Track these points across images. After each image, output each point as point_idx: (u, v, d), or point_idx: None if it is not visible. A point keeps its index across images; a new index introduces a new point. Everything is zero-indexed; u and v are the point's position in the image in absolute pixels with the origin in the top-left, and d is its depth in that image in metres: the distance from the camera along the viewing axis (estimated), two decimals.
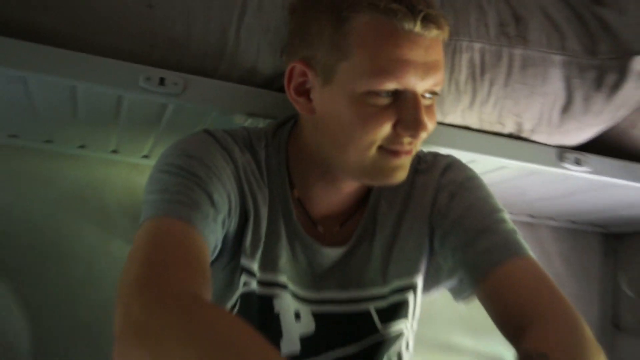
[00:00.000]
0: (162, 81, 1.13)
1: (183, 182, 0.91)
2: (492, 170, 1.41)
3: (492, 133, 1.37)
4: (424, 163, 1.14)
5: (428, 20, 0.89)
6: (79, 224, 1.69)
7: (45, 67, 1.08)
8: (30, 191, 1.66)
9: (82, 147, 1.67)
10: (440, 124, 1.32)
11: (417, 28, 0.89)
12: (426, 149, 1.21)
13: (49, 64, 1.08)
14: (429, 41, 0.92)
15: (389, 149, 0.96)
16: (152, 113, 1.30)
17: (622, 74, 1.35)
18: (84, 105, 1.29)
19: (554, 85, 1.34)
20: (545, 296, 0.94)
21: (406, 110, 0.93)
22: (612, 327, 2.28)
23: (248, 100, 1.20)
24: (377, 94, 0.92)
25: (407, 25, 0.89)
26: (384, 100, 0.93)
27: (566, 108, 1.37)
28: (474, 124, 1.35)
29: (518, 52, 1.30)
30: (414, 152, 1.01)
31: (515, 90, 1.32)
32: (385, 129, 0.94)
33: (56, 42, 1.09)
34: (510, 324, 0.95)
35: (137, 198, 1.72)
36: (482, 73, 1.29)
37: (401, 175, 1.00)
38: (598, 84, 1.36)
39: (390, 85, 0.91)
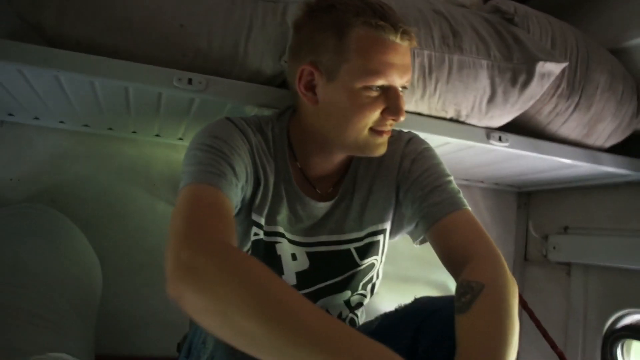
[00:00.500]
0: (190, 81, 1.12)
1: (212, 157, 0.90)
2: (438, 145, 1.40)
3: (438, 118, 1.36)
4: (391, 137, 1.11)
5: (405, 33, 0.94)
6: (132, 190, 1.67)
7: (107, 74, 1.08)
8: (98, 166, 1.64)
9: (134, 132, 1.64)
10: None
11: (398, 39, 0.94)
12: None
13: (110, 71, 1.08)
14: (405, 49, 0.96)
15: (377, 130, 0.99)
16: (184, 106, 1.28)
17: (529, 74, 1.34)
18: (134, 101, 1.27)
19: (482, 82, 1.32)
20: (478, 240, 0.94)
21: (391, 101, 0.96)
22: (522, 260, 2.28)
23: (255, 95, 1.18)
24: (370, 88, 0.95)
25: (392, 37, 0.93)
26: (375, 93, 0.96)
27: (491, 99, 1.35)
28: (424, 111, 1.33)
29: (456, 57, 1.28)
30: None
31: (454, 86, 1.30)
32: (376, 114, 0.97)
33: (114, 55, 1.09)
34: (453, 261, 0.95)
35: (175, 170, 1.70)
36: (430, 73, 1.26)
37: (383, 150, 1.02)
38: (513, 82, 1.35)
39: (380, 82, 0.94)
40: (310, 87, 1.00)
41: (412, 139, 1.13)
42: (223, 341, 0.68)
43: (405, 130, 1.16)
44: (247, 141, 0.99)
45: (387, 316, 1.08)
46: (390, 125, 0.99)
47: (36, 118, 1.54)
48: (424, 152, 1.10)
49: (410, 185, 1.06)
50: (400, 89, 0.98)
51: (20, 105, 1.40)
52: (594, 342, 1.90)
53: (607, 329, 1.87)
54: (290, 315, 0.64)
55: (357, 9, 0.94)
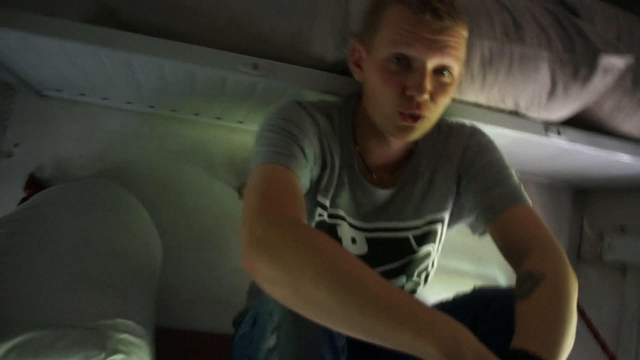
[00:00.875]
0: (255, 66, 1.14)
1: (283, 139, 0.93)
2: (496, 137, 1.38)
3: (497, 109, 1.35)
4: (453, 129, 1.13)
5: (436, 12, 0.91)
6: (192, 170, 1.72)
7: (176, 57, 1.12)
8: (161, 146, 1.70)
9: (196, 114, 1.69)
10: (460, 101, 1.31)
11: (427, 16, 0.91)
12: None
13: (178, 54, 1.11)
14: (437, 26, 0.92)
15: (401, 112, 0.96)
16: (247, 90, 1.31)
17: (592, 68, 1.32)
18: (200, 84, 1.32)
19: (543, 75, 1.31)
20: (540, 234, 0.94)
21: (413, 76, 0.94)
22: (576, 258, 2.24)
23: (317, 81, 1.21)
24: (392, 60, 0.94)
25: (419, 13, 0.91)
26: (398, 68, 0.94)
27: (551, 93, 1.34)
28: (483, 102, 1.33)
29: (517, 49, 1.27)
30: (426, 122, 0.99)
31: (514, 78, 1.29)
32: (397, 91, 0.95)
33: (183, 40, 1.12)
34: (514, 254, 0.95)
35: (234, 153, 1.74)
36: (490, 64, 1.26)
37: (412, 136, 1.00)
38: (574, 75, 1.32)
39: (402, 50, 0.93)
40: (359, 64, 1.04)
41: (476, 132, 1.13)
42: (290, 312, 0.72)
43: (468, 123, 1.16)
44: (315, 124, 1.02)
45: (443, 304, 1.09)
46: (417, 107, 0.95)
47: (105, 98, 1.61)
48: (487, 145, 1.10)
49: (472, 177, 1.07)
50: (444, 72, 0.96)
51: (91, 85, 1.47)
52: None
53: None
54: (359, 285, 0.67)
55: None
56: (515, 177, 1.04)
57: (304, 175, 0.93)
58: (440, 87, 0.96)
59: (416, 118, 0.96)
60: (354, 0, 1.20)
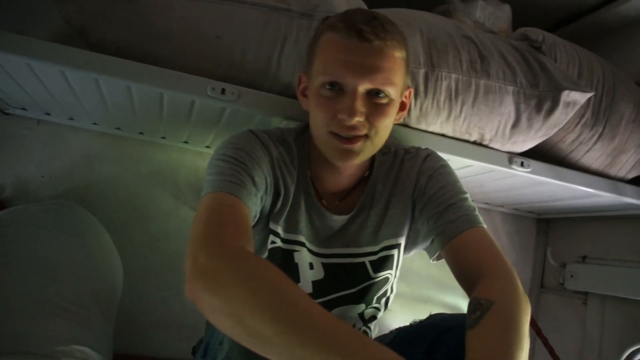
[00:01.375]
0: (223, 91, 1.15)
1: (233, 168, 0.92)
2: (460, 167, 1.41)
3: (462, 140, 1.37)
4: (408, 154, 1.13)
5: (362, 34, 0.91)
6: (158, 194, 1.71)
7: (144, 79, 1.11)
8: (126, 168, 1.68)
9: (163, 137, 1.68)
10: (425, 131, 1.33)
11: (354, 39, 0.92)
12: None
13: (147, 77, 1.11)
14: (365, 49, 0.92)
15: (336, 134, 0.96)
16: (215, 115, 1.31)
17: (554, 102, 1.35)
18: (168, 108, 1.31)
19: (507, 108, 1.34)
20: (492, 258, 0.94)
21: (344, 100, 0.94)
22: (539, 287, 2.27)
23: (285, 107, 1.21)
24: (324, 86, 0.95)
25: (346, 37, 0.92)
26: (329, 93, 0.95)
27: (515, 125, 1.37)
28: (449, 133, 1.35)
29: (482, 82, 1.30)
30: (367, 143, 0.98)
31: (479, 110, 1.31)
32: (330, 114, 0.95)
33: (152, 63, 1.12)
34: (467, 278, 0.95)
35: (201, 177, 1.73)
36: (456, 96, 1.28)
37: (355, 159, 1.00)
38: (538, 109, 1.36)
39: (332, 78, 0.94)
40: (304, 94, 1.06)
41: (430, 155, 1.13)
42: (238, 343, 0.70)
43: (424, 147, 1.17)
44: (267, 153, 1.02)
45: (402, 330, 1.10)
46: (350, 129, 0.95)
47: (71, 119, 1.59)
48: (440, 169, 1.10)
49: (426, 202, 1.07)
50: (362, 92, 0.94)
51: (57, 105, 1.45)
52: None
53: None
54: (302, 318, 0.65)
55: (335, 17, 0.97)
56: (470, 201, 1.04)
57: (253, 203, 0.92)
58: (376, 108, 0.96)
59: (352, 139, 0.96)
60: None
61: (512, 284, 0.88)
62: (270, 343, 0.65)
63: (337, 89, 0.95)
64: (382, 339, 1.14)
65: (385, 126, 1.00)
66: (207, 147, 1.70)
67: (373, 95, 0.96)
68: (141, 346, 1.63)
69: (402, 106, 1.05)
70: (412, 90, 1.11)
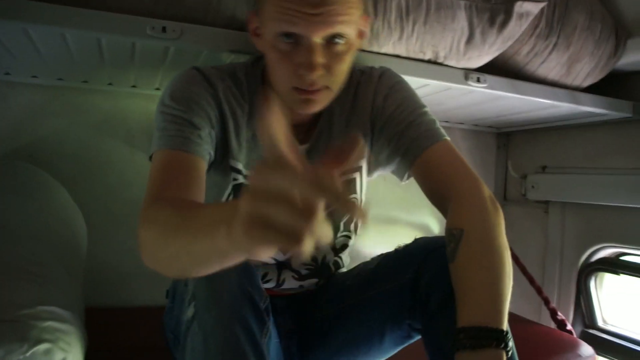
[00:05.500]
0: (164, 29, 1.08)
1: (172, 119, 0.92)
2: (417, 87, 1.39)
3: (416, 59, 1.34)
4: (363, 74, 1.10)
5: None
6: (111, 142, 1.65)
7: (78, 25, 1.04)
8: (75, 120, 1.61)
9: (110, 84, 1.61)
10: (377, 53, 1.29)
11: None
12: None
13: (81, 22, 1.04)
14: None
15: (298, 88, 0.92)
16: (158, 55, 1.25)
17: (507, 14, 1.32)
18: (108, 52, 1.24)
19: (460, 23, 1.30)
20: (459, 173, 0.95)
21: (301, 54, 0.88)
22: (502, 199, 2.33)
23: (230, 41, 1.15)
24: (280, 38, 0.89)
25: None
26: (287, 45, 0.89)
27: (469, 40, 1.34)
28: (402, 53, 1.32)
29: None
30: (328, 92, 0.95)
31: (432, 27, 1.28)
32: (290, 69, 0.90)
33: (85, 5, 1.05)
34: (437, 197, 0.97)
35: (153, 121, 1.68)
36: (407, 14, 1.24)
37: (315, 107, 0.97)
38: (491, 22, 1.33)
39: (285, 28, 0.87)
40: (257, 33, 0.99)
41: (384, 73, 1.10)
42: (204, 279, 0.73)
43: (378, 66, 1.14)
44: (210, 86, 0.98)
45: (386, 256, 1.10)
46: (311, 84, 0.91)
47: (7, 73, 1.50)
48: (396, 86, 1.08)
49: (385, 122, 1.05)
50: (336, 40, 0.89)
51: None
52: (569, 276, 1.97)
53: (582, 263, 1.94)
54: (183, 222, 0.65)
55: None
56: (429, 115, 1.03)
57: (203, 147, 0.92)
58: (335, 57, 0.91)
59: (314, 91, 0.93)
60: None
61: (479, 200, 0.89)
62: (175, 256, 0.65)
63: (293, 40, 0.89)
64: (365, 265, 1.15)
65: (344, 71, 0.96)
66: (157, 89, 1.63)
67: (331, 42, 0.90)
68: (114, 298, 1.63)
69: (360, 34, 0.99)
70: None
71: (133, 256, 1.58)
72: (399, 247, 1.08)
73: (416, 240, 1.04)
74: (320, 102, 0.97)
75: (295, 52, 0.89)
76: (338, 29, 0.88)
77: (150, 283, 1.61)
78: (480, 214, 0.87)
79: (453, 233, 0.86)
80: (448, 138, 1.00)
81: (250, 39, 1.02)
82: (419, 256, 0.97)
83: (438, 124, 1.02)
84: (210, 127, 0.95)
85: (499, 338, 0.74)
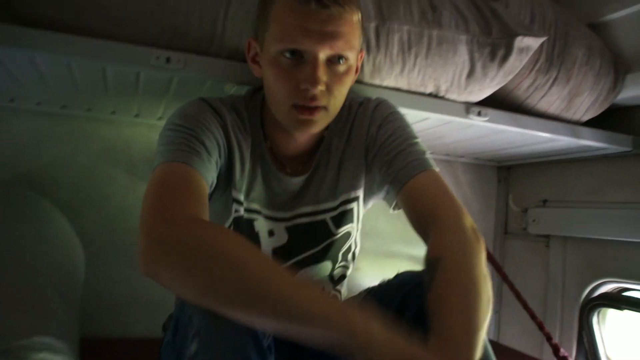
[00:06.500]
0: (168, 60, 1.10)
1: (182, 136, 0.90)
2: (418, 121, 1.40)
3: (417, 93, 1.35)
4: (361, 106, 1.12)
5: (321, 0, 0.88)
6: (112, 171, 1.65)
7: (84, 54, 1.06)
8: (77, 148, 1.61)
9: (113, 113, 1.61)
10: (379, 86, 1.30)
11: (312, 6, 0.88)
12: None
13: (86, 51, 1.05)
14: (324, 16, 0.89)
15: (297, 105, 0.94)
16: (162, 85, 1.26)
17: (508, 49, 1.34)
18: (112, 81, 1.25)
19: (461, 57, 1.32)
20: (442, 204, 0.94)
21: (305, 69, 0.91)
22: (503, 234, 2.32)
23: (234, 72, 1.16)
24: (284, 54, 0.91)
25: (304, 3, 0.88)
26: (290, 62, 0.92)
27: (470, 74, 1.35)
28: (404, 87, 1.33)
29: (435, 32, 1.28)
30: (325, 113, 0.97)
31: (433, 61, 1.29)
32: (292, 84, 0.92)
33: (91, 35, 1.06)
34: (420, 224, 0.96)
35: (155, 151, 1.68)
36: (409, 48, 1.25)
37: (313, 129, 0.99)
38: (492, 56, 1.35)
39: (292, 45, 0.90)
40: (256, 60, 1.01)
41: (380, 104, 1.11)
42: (210, 315, 0.70)
43: (374, 97, 1.15)
44: (220, 117, 0.99)
45: (371, 291, 1.10)
46: (312, 99, 0.93)
47: (12, 100, 1.51)
48: (390, 117, 1.08)
49: (377, 151, 1.06)
50: (339, 61, 0.94)
51: None
52: (571, 312, 1.95)
53: (584, 299, 1.91)
54: (266, 284, 0.67)
55: None
56: (420, 145, 1.03)
57: (207, 170, 0.90)
58: (336, 77, 0.95)
59: (313, 110, 0.95)
60: None
61: (459, 228, 0.88)
62: (240, 311, 0.68)
63: (296, 57, 0.92)
64: (352, 300, 1.14)
65: (343, 94, 0.99)
66: (160, 118, 1.64)
67: (333, 62, 0.94)
68: (109, 328, 1.60)
69: (355, 69, 1.03)
70: (364, 51, 1.09)
71: (130, 286, 1.59)
72: (383, 281, 1.07)
73: (399, 275, 1.04)
74: (318, 124, 0.98)
75: (299, 69, 0.92)
76: (342, 48, 0.92)
77: (146, 314, 1.59)
78: (459, 243, 0.86)
79: (430, 262, 0.86)
80: (436, 168, 1.00)
81: (251, 67, 1.04)
82: (401, 291, 0.96)
83: (428, 155, 1.02)
84: (217, 155, 0.95)
85: None
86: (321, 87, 0.92)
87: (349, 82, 0.99)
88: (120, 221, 1.63)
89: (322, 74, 0.92)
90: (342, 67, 0.95)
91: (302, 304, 0.66)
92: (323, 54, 0.91)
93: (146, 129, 1.67)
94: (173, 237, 0.71)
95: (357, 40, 0.96)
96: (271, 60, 0.94)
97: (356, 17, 0.95)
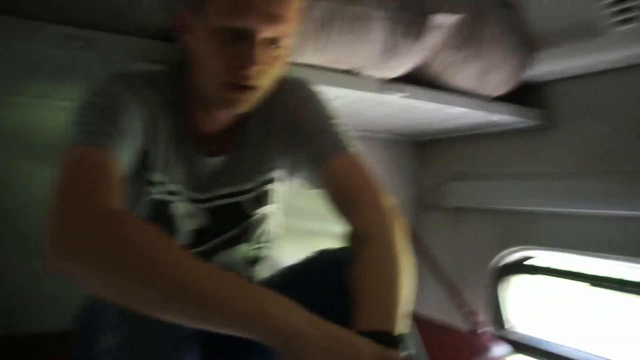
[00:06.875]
0: (69, 37, 1.02)
1: (95, 115, 0.86)
2: (334, 98, 1.39)
3: (332, 70, 1.35)
4: (279, 87, 1.08)
5: None
6: (14, 156, 1.53)
7: None
8: None
9: (14, 94, 1.50)
10: (294, 64, 1.26)
11: None
12: None
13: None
14: None
15: (229, 82, 0.92)
16: (68, 64, 1.18)
17: (422, 26, 1.37)
18: (11, 59, 1.17)
19: (376, 34, 1.32)
20: (361, 185, 0.96)
21: (243, 48, 0.89)
22: (419, 207, 2.39)
23: (142, 50, 1.11)
24: (225, 30, 0.88)
25: None
26: (228, 38, 0.89)
27: (384, 51, 1.37)
28: (318, 63, 1.33)
29: (350, 9, 1.26)
30: (254, 93, 0.96)
31: (348, 38, 1.29)
32: (227, 61, 0.90)
33: None
34: (340, 204, 0.97)
35: (62, 134, 1.58)
36: (323, 25, 1.25)
37: (240, 108, 0.97)
38: (406, 33, 1.36)
39: (234, 22, 0.87)
40: (186, 32, 0.96)
41: (298, 84, 1.11)
42: (123, 306, 0.68)
43: (296, 78, 1.13)
44: (135, 96, 0.93)
45: (291, 268, 1.10)
46: (244, 78, 0.91)
47: None
48: (309, 97, 1.08)
49: (295, 132, 1.05)
50: (261, 40, 0.90)
51: None
52: (481, 280, 2.05)
53: (493, 267, 2.02)
54: (182, 279, 0.66)
55: None
56: (338, 126, 1.04)
57: (123, 152, 0.85)
58: (271, 59, 0.93)
59: (244, 89, 0.93)
60: None
61: (378, 208, 0.91)
62: (156, 307, 0.67)
63: (234, 35, 0.88)
64: (272, 277, 1.14)
65: (273, 77, 0.97)
66: (67, 100, 1.53)
67: (268, 45, 0.91)
68: (16, 324, 1.50)
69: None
70: None
71: (38, 278, 1.49)
72: (303, 259, 1.08)
73: (318, 252, 1.05)
74: (246, 104, 0.97)
75: (237, 47, 0.89)
76: (282, 32, 0.90)
77: (54, 307, 1.49)
78: (379, 221, 0.89)
79: (354, 239, 0.88)
80: (356, 148, 1.01)
81: (178, 37, 0.98)
82: (319, 269, 0.99)
83: (347, 135, 1.03)
84: (134, 136, 0.90)
85: (390, 342, 0.74)
86: (257, 68, 0.90)
87: (280, 66, 0.97)
88: (24, 210, 1.52)
89: (260, 55, 0.89)
90: (277, 51, 0.93)
91: (221, 304, 0.65)
92: (262, 34, 0.89)
93: (53, 111, 1.56)
94: (84, 232, 0.67)
95: (294, 26, 0.94)
96: (209, 34, 0.90)
97: (300, 4, 0.94)
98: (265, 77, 0.94)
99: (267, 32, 0.89)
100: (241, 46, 0.89)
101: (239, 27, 0.88)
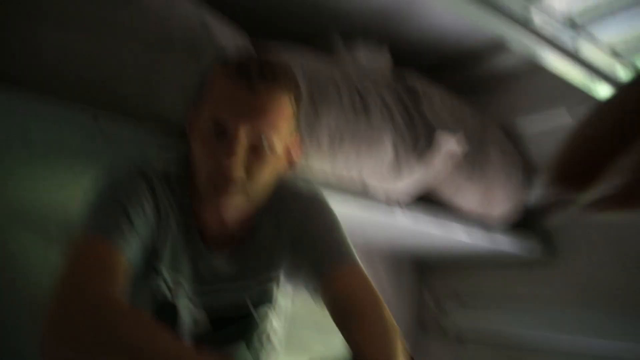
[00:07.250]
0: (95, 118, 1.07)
1: (110, 206, 0.88)
2: (340, 209, 1.41)
3: (342, 181, 1.37)
4: (289, 191, 1.10)
5: (252, 78, 0.90)
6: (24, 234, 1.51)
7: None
8: None
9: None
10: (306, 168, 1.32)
11: (244, 79, 0.90)
12: None
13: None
14: (253, 91, 0.90)
15: (214, 172, 0.92)
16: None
17: (428, 141, 1.43)
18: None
19: (385, 146, 1.38)
20: (364, 296, 0.94)
21: (224, 141, 0.90)
22: (418, 329, 2.33)
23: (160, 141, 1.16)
24: (210, 123, 0.91)
25: (239, 77, 0.91)
26: (214, 133, 0.91)
27: (393, 163, 1.40)
28: (328, 171, 1.35)
29: (362, 120, 1.33)
30: (242, 184, 0.93)
31: (358, 147, 1.34)
32: (209, 156, 0.92)
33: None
34: (340, 315, 0.94)
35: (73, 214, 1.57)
36: (336, 134, 1.30)
37: (231, 200, 0.94)
38: (414, 147, 1.42)
39: (216, 114, 0.91)
40: (190, 129, 1.00)
41: (309, 191, 1.12)
42: None
43: (304, 184, 1.15)
44: (151, 191, 0.95)
45: None
46: (226, 168, 0.90)
47: None
48: (315, 204, 1.09)
49: (300, 237, 1.05)
50: (244, 136, 0.91)
51: None
52: None
53: None
54: None
55: (230, 64, 0.96)
56: (345, 237, 1.04)
57: (132, 247, 0.86)
58: (256, 160, 0.93)
59: (227, 180, 0.91)
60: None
61: (379, 324, 0.89)
62: None
63: (220, 131, 0.91)
64: None
65: (264, 181, 0.96)
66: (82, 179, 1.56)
67: (256, 145, 0.92)
68: None
69: (289, 157, 1.03)
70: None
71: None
72: None
73: None
74: (235, 200, 0.94)
75: (220, 139, 0.91)
76: (263, 127, 0.91)
77: None
78: (379, 337, 0.87)
79: (357, 354, 0.85)
80: (359, 262, 1.00)
81: (187, 135, 1.02)
82: None
83: (352, 248, 1.02)
84: (145, 233, 0.92)
85: None
86: (236, 159, 0.89)
87: (270, 169, 0.96)
88: (24, 286, 1.49)
89: (240, 148, 0.90)
90: (263, 152, 0.93)
91: None
92: (243, 128, 0.90)
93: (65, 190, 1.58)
94: (72, 317, 0.69)
95: (284, 123, 0.94)
96: (202, 128, 0.93)
97: (286, 99, 0.95)
98: (253, 180, 0.93)
99: (246, 125, 0.90)
100: (224, 138, 0.90)
101: (222, 119, 0.90)
